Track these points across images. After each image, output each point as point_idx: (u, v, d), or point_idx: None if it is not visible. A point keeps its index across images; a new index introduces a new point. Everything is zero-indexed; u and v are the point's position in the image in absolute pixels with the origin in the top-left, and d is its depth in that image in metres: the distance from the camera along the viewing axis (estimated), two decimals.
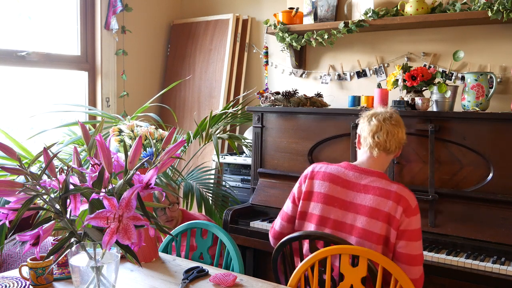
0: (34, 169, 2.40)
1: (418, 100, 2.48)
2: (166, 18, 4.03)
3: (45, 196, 1.23)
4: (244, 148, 3.37)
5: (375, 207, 1.77)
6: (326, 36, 3.07)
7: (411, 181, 2.41)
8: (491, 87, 2.44)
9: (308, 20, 3.16)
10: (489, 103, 2.46)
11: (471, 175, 2.28)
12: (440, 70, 2.84)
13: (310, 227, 1.89)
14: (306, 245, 1.89)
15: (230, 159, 3.34)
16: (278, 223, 2.05)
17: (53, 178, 1.25)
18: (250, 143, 3.18)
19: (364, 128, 1.93)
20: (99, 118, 3.23)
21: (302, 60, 3.41)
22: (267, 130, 2.89)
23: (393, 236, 1.75)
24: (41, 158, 1.28)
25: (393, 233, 1.75)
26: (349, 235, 1.81)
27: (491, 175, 2.23)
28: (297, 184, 2.01)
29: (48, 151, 1.27)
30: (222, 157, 3.39)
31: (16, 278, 1.65)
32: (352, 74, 3.23)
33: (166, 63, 4.04)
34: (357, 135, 1.99)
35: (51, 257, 1.56)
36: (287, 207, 2.02)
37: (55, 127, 2.87)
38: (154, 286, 1.63)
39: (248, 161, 3.23)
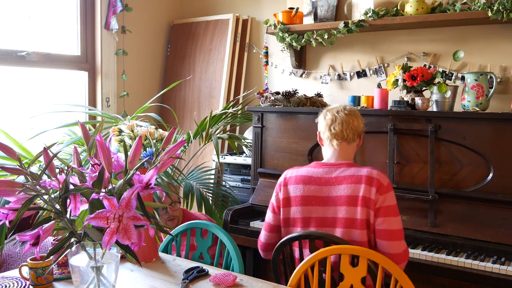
0: (34, 169, 2.40)
1: (418, 100, 2.48)
2: (166, 18, 4.03)
3: (45, 196, 1.23)
4: (244, 148, 3.37)
5: (351, 194, 1.83)
6: (326, 36, 3.07)
7: (411, 181, 2.41)
8: (491, 87, 2.44)
9: (308, 20, 3.16)
10: (489, 103, 2.46)
11: (471, 175, 2.28)
12: (440, 70, 2.84)
13: (296, 231, 1.92)
14: (306, 250, 1.90)
15: (230, 159, 3.35)
16: (263, 235, 2.09)
17: (53, 178, 1.25)
18: (250, 143, 3.18)
19: (321, 123, 2.02)
20: (99, 118, 3.23)
21: (302, 60, 3.41)
22: (267, 130, 2.89)
23: (372, 217, 1.81)
24: (41, 158, 1.28)
25: (371, 213, 1.81)
26: (334, 227, 1.85)
27: (491, 175, 2.23)
28: (274, 194, 2.05)
29: (48, 151, 1.27)
30: (222, 157, 3.39)
31: (16, 278, 1.65)
32: (352, 74, 3.23)
33: (166, 63, 4.04)
34: (317, 133, 2.06)
35: (51, 257, 1.56)
36: (268, 217, 2.06)
37: (55, 128, 2.86)
38: (154, 286, 1.63)
39: (248, 161, 3.23)
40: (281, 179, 2.03)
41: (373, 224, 1.81)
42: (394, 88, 2.61)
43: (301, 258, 1.86)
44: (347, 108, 2.00)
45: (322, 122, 2.02)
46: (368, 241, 1.82)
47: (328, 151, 2.01)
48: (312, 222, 1.89)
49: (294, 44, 3.20)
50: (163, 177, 2.66)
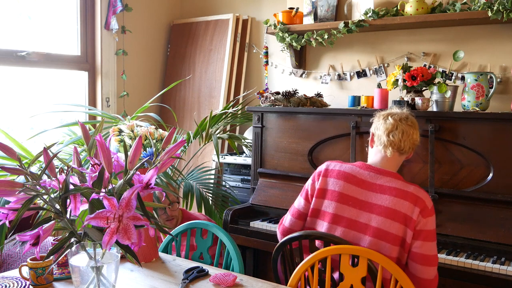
0: (34, 169, 2.40)
1: (418, 100, 2.48)
2: (166, 18, 4.03)
3: (45, 196, 1.23)
4: (244, 148, 3.37)
5: (392, 208, 1.76)
6: (326, 36, 3.07)
7: (411, 181, 2.40)
8: (491, 87, 2.44)
9: (308, 20, 3.16)
10: (489, 103, 2.46)
11: (471, 175, 2.28)
12: (440, 70, 2.84)
13: (323, 225, 1.87)
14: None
15: (230, 159, 3.35)
16: (288, 219, 2.02)
17: (53, 178, 1.25)
18: (250, 143, 3.18)
19: (379, 126, 1.91)
20: (99, 118, 3.23)
21: (302, 60, 3.41)
22: (267, 130, 2.89)
23: (409, 237, 1.74)
24: (41, 158, 1.28)
25: (409, 233, 1.74)
26: (363, 234, 1.79)
27: (491, 175, 2.23)
28: (309, 181, 1.98)
29: (48, 151, 1.27)
30: (222, 157, 3.39)
31: (16, 278, 1.65)
32: (352, 74, 3.23)
33: (166, 63, 4.04)
34: (370, 133, 1.97)
35: (51, 257, 1.56)
36: (299, 203, 1.99)
37: (55, 127, 2.86)
38: (154, 286, 1.63)
39: (248, 161, 3.23)
40: (321, 168, 1.95)
41: (410, 244, 1.75)
42: (394, 88, 2.61)
43: (301, 258, 1.86)
44: (410, 118, 1.91)
45: (381, 125, 1.90)
46: (397, 258, 1.76)
47: (377, 155, 1.91)
48: (342, 221, 1.83)
49: (294, 44, 3.20)
50: (162, 178, 2.66)
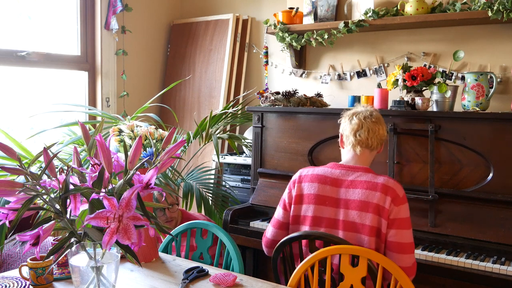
0: (34, 169, 2.40)
1: (418, 100, 2.48)
2: (166, 18, 4.03)
3: (45, 196, 1.23)
4: (244, 148, 3.37)
5: (364, 200, 1.82)
6: (326, 36, 3.07)
7: (411, 181, 2.41)
8: (491, 87, 2.44)
9: (308, 20, 3.16)
10: (489, 103, 2.46)
11: (471, 175, 2.28)
12: (440, 70, 2.84)
13: (305, 229, 1.91)
14: (304, 248, 1.90)
15: (230, 159, 3.34)
16: (270, 231, 2.07)
17: (53, 178, 1.25)
18: (250, 143, 3.18)
19: (346, 127, 1.99)
20: (99, 118, 3.23)
21: (302, 60, 3.41)
22: (267, 130, 2.89)
23: (384, 226, 1.79)
24: (41, 158, 1.28)
25: (384, 223, 1.79)
26: (342, 230, 1.84)
27: (491, 175, 2.23)
28: (286, 191, 2.03)
29: (48, 151, 1.27)
30: (222, 157, 3.39)
31: (16, 278, 1.65)
32: (352, 74, 3.23)
33: (166, 63, 4.04)
34: (339, 134, 2.04)
35: (51, 257, 1.56)
36: (278, 214, 2.04)
37: (55, 127, 2.86)
38: (154, 286, 1.63)
39: (248, 161, 3.23)
40: (295, 176, 2.01)
41: (385, 234, 1.80)
42: (394, 88, 2.61)
43: (301, 258, 1.86)
44: (374, 114, 1.97)
45: (347, 126, 1.98)
46: (376, 248, 1.80)
47: (348, 154, 1.99)
48: (323, 222, 1.88)
49: (294, 44, 3.20)
50: (160, 179, 2.66)
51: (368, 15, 2.88)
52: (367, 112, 1.97)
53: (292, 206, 1.97)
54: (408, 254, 1.80)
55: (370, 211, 1.80)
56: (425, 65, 2.91)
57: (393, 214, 1.79)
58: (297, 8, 3.18)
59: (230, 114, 3.29)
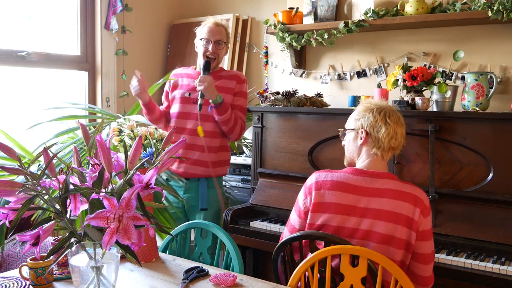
0: (34, 169, 2.40)
1: (418, 100, 2.48)
2: (166, 18, 4.03)
3: (45, 196, 1.23)
4: (244, 148, 3.37)
5: (393, 211, 1.72)
6: (326, 36, 3.07)
7: (411, 181, 2.40)
8: (491, 87, 2.44)
9: (308, 20, 3.16)
10: (489, 103, 2.46)
11: (471, 175, 2.28)
12: (440, 70, 2.84)
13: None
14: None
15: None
16: (287, 236, 1.95)
17: (53, 178, 1.25)
18: (250, 143, 3.18)
19: (379, 129, 1.81)
20: (98, 117, 3.22)
21: (302, 60, 3.41)
22: (267, 130, 2.89)
23: (414, 239, 1.73)
24: (41, 158, 1.28)
25: (413, 235, 1.73)
26: (367, 241, 1.75)
27: (491, 175, 2.23)
28: (301, 197, 1.90)
29: (48, 151, 1.27)
30: None
31: (16, 278, 1.65)
32: (352, 74, 3.23)
33: (166, 63, 4.04)
34: (362, 131, 1.84)
35: (51, 257, 1.56)
36: (294, 220, 1.93)
37: (59, 134, 2.83)
38: (154, 286, 1.63)
39: (248, 161, 3.23)
40: (311, 182, 1.86)
41: (413, 246, 1.74)
42: (394, 88, 2.61)
43: (301, 258, 1.86)
44: (401, 118, 1.86)
45: (381, 128, 1.80)
46: (401, 261, 1.74)
47: (369, 157, 1.84)
48: (344, 232, 1.78)
49: (294, 44, 3.20)
50: (163, 177, 2.66)
51: (368, 15, 2.88)
52: (395, 114, 1.84)
53: (310, 214, 1.83)
54: (431, 263, 1.78)
55: (400, 223, 1.71)
56: (425, 65, 2.91)
57: (422, 226, 1.73)
58: (297, 8, 3.18)
59: None
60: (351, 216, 1.77)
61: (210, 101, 2.52)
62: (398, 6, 2.86)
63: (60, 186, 1.24)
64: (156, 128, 1.99)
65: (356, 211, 1.77)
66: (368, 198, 1.76)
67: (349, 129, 1.92)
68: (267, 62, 3.50)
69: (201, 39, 2.66)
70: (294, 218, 1.93)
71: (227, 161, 2.78)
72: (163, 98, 2.85)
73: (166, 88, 2.82)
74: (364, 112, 1.86)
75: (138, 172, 1.28)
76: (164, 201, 2.68)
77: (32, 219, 1.31)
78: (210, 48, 2.61)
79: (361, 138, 1.85)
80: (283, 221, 2.65)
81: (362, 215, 1.76)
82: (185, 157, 2.61)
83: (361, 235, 1.77)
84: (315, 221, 1.82)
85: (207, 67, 2.56)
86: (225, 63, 3.63)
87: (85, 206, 1.26)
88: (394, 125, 1.81)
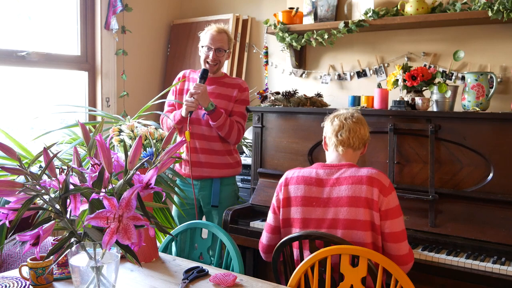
0: (34, 169, 2.40)
1: (418, 100, 2.48)
2: (166, 18, 4.03)
3: (45, 196, 1.23)
4: (244, 148, 3.37)
5: (352, 195, 1.82)
6: (326, 36, 3.07)
7: (411, 181, 2.41)
8: (491, 87, 2.44)
9: (308, 20, 3.16)
10: (489, 103, 2.46)
11: (471, 175, 2.28)
12: (440, 70, 2.84)
13: (295, 232, 1.91)
14: (306, 251, 1.90)
15: None
16: (264, 236, 2.08)
17: (53, 178, 1.25)
18: (250, 143, 3.18)
19: (328, 129, 2.02)
20: (99, 118, 3.22)
21: (302, 60, 3.41)
22: (267, 130, 2.89)
23: (377, 219, 1.80)
24: (41, 158, 1.28)
25: (376, 215, 1.80)
26: (334, 229, 1.84)
27: (491, 175, 2.23)
28: (274, 195, 2.05)
29: (48, 151, 1.27)
30: None
31: (16, 278, 1.65)
32: (352, 74, 3.23)
33: (166, 63, 4.04)
34: (323, 137, 2.07)
35: (51, 257, 1.56)
36: (269, 218, 2.05)
37: (57, 129, 2.84)
38: (154, 286, 1.63)
39: (248, 161, 3.23)
40: (282, 180, 2.02)
41: (379, 226, 1.81)
42: (394, 88, 2.61)
43: (301, 258, 1.86)
44: (355, 115, 2.00)
45: (329, 127, 2.02)
46: (372, 243, 1.81)
47: (332, 155, 2.01)
48: (311, 223, 1.89)
49: (294, 44, 3.20)
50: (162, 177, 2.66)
51: (368, 15, 2.88)
52: (348, 113, 2.01)
53: (281, 209, 1.98)
54: (403, 241, 1.83)
55: (360, 206, 1.81)
56: (425, 65, 2.91)
57: (384, 206, 1.80)
58: (297, 8, 3.18)
59: None
60: (315, 207, 1.89)
61: (203, 108, 2.62)
62: (398, 6, 2.86)
63: (60, 186, 1.24)
64: (156, 128, 1.99)
65: (320, 201, 1.89)
66: (330, 188, 1.89)
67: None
68: (267, 62, 3.50)
69: (203, 47, 2.73)
70: (269, 217, 2.06)
71: (232, 163, 2.82)
72: (170, 101, 2.88)
73: (171, 94, 2.89)
74: (325, 122, 2.08)
75: (138, 172, 1.28)
76: (176, 198, 2.78)
77: (32, 220, 1.31)
78: (211, 56, 2.69)
79: (323, 144, 2.08)
80: None
81: (326, 205, 1.88)
82: (188, 159, 2.72)
83: (328, 224, 1.85)
84: (286, 216, 1.96)
85: (204, 76, 2.64)
86: (225, 63, 3.63)
87: (85, 206, 1.26)
88: (340, 122, 1.98)
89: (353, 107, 2.81)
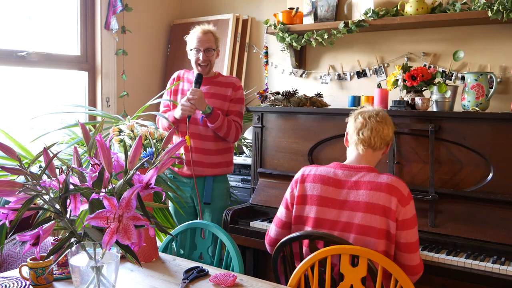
0: (34, 169, 2.39)
1: (418, 100, 2.48)
2: (166, 18, 4.03)
3: (45, 196, 1.23)
4: (244, 148, 3.37)
5: (369, 201, 1.79)
6: (326, 36, 3.07)
7: (411, 181, 2.41)
8: (491, 87, 2.44)
9: (308, 20, 3.16)
10: (489, 103, 2.46)
11: (471, 175, 2.28)
12: (440, 70, 2.84)
13: (307, 230, 1.90)
14: (305, 248, 1.90)
15: None
16: (273, 230, 2.06)
17: (53, 178, 1.25)
18: (250, 143, 3.18)
19: (351, 125, 1.98)
20: (99, 118, 3.22)
21: (302, 60, 3.41)
22: (267, 130, 2.89)
23: (393, 228, 1.77)
24: (41, 158, 1.28)
25: (392, 224, 1.77)
26: (347, 233, 1.82)
27: (491, 175, 2.23)
28: (288, 190, 2.02)
29: (48, 151, 1.27)
30: None
31: (16, 278, 1.65)
32: (352, 74, 3.23)
33: (166, 63, 4.04)
34: (345, 133, 2.03)
35: (51, 257, 1.56)
36: (281, 213, 2.03)
37: (56, 129, 2.84)
38: (154, 286, 1.63)
39: (248, 161, 3.23)
40: (298, 176, 1.99)
41: (395, 235, 1.78)
42: (394, 88, 2.62)
43: (301, 258, 1.86)
44: (380, 114, 1.94)
45: (352, 124, 1.97)
46: (384, 251, 1.78)
47: (352, 154, 1.97)
48: (325, 224, 1.86)
49: (294, 44, 3.20)
50: (163, 176, 2.66)
51: (368, 15, 2.88)
52: (373, 111, 1.95)
53: (295, 206, 1.95)
54: (416, 252, 1.81)
55: (377, 213, 1.77)
56: (425, 65, 2.91)
57: (402, 216, 1.76)
58: (297, 8, 3.18)
59: None
60: (330, 208, 1.86)
61: (201, 112, 2.63)
62: (398, 6, 2.86)
63: (60, 186, 1.24)
64: (156, 128, 1.99)
65: (336, 203, 1.85)
66: (347, 191, 1.85)
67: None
68: (267, 62, 3.50)
69: (191, 50, 2.76)
70: (281, 211, 2.03)
71: (223, 163, 2.83)
72: (165, 102, 2.89)
73: (166, 94, 2.92)
74: (349, 118, 2.03)
75: (138, 172, 1.28)
76: (172, 195, 2.78)
77: (32, 220, 1.31)
78: (201, 57, 2.71)
79: (345, 140, 2.03)
80: None
81: (341, 207, 1.84)
82: (185, 159, 2.75)
83: (341, 227, 1.83)
84: (299, 213, 1.93)
85: (198, 81, 2.66)
86: (225, 63, 3.63)
87: (85, 206, 1.26)
88: (363, 120, 1.92)
89: (353, 107, 2.82)
